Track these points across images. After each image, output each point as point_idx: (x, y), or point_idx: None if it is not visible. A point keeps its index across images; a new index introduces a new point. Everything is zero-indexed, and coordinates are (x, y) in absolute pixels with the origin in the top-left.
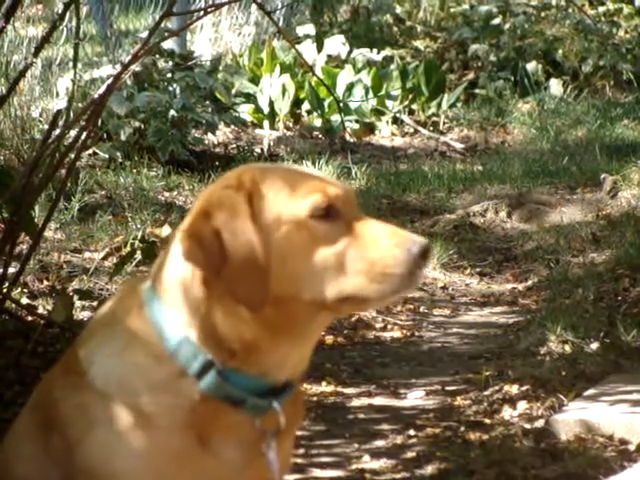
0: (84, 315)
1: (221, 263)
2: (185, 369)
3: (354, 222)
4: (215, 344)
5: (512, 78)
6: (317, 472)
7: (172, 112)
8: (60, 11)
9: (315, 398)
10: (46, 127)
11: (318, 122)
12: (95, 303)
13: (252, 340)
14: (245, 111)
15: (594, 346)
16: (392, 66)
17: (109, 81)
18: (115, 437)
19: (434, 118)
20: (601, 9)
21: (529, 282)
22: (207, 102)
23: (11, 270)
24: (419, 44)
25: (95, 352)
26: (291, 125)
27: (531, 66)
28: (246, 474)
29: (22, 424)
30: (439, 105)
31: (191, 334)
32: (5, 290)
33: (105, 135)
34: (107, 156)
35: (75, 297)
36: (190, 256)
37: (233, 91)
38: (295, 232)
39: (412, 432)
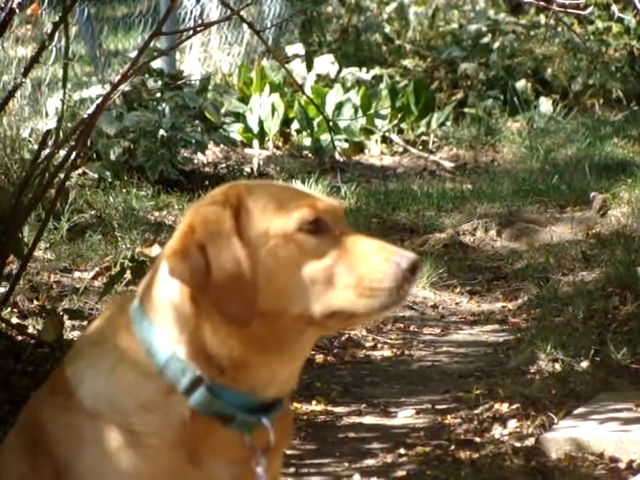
0: (74, 335)
1: (207, 279)
2: (174, 386)
3: (343, 237)
4: (204, 360)
5: (501, 97)
6: None
7: (161, 132)
8: (49, 31)
9: (305, 417)
10: (35, 147)
11: (307, 141)
12: (85, 323)
13: (240, 356)
14: (234, 130)
15: (584, 364)
16: (381, 85)
17: (98, 101)
18: (105, 457)
19: (423, 137)
20: (590, 28)
21: (519, 301)
22: (196, 122)
23: (1, 290)
24: (408, 63)
25: (83, 372)
26: (280, 144)
27: (520, 85)
28: None
29: (10, 445)
30: (428, 124)
31: (180, 351)
32: None
33: (95, 155)
34: (97, 176)
35: (65, 317)
36: (175, 272)
37: (222, 110)
38: (283, 246)
39: (402, 451)
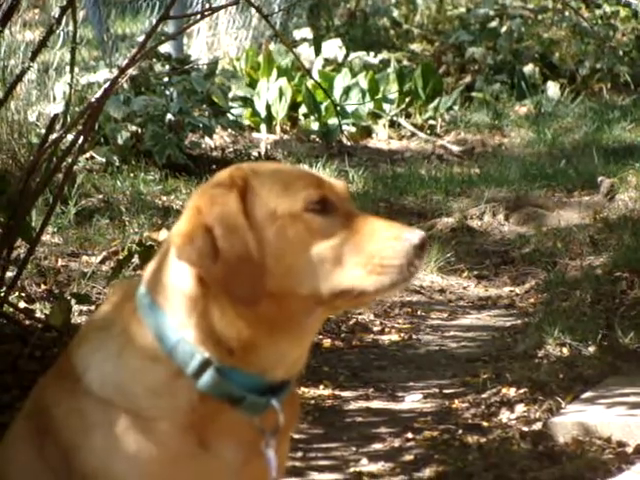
0: (81, 319)
1: (214, 261)
2: (183, 369)
3: (350, 217)
4: (212, 343)
5: (509, 81)
6: (315, 475)
7: (169, 116)
8: (57, 15)
9: (313, 401)
10: (43, 131)
11: (315, 126)
12: (93, 307)
13: (249, 338)
14: (242, 115)
15: (592, 349)
16: (389, 69)
17: (106, 85)
18: (113, 441)
19: (431, 121)
20: (598, 12)
21: (526, 285)
22: (204, 106)
23: (9, 274)
24: (416, 47)
25: (90, 357)
26: (288, 129)
27: (528, 69)
28: (244, 474)
29: (17, 430)
30: (436, 108)
31: (188, 334)
32: (3, 294)
33: (102, 139)
34: (104, 160)
35: (72, 301)
36: (183, 255)
37: (230, 95)
38: (290, 226)
39: (410, 435)
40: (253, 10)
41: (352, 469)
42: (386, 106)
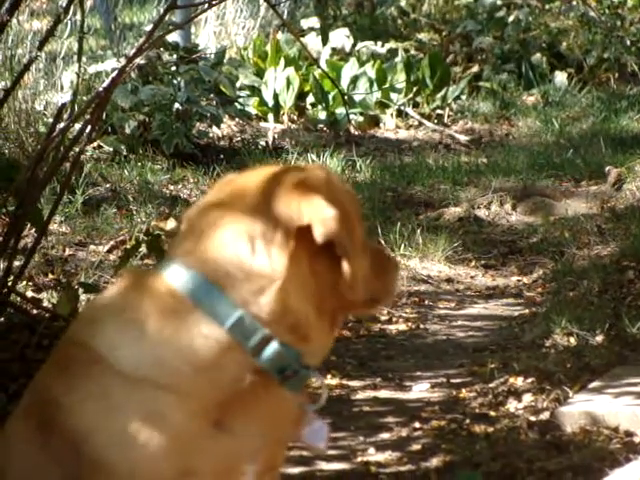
0: None
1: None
2: (241, 343)
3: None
4: (278, 321)
5: (516, 70)
6: (322, 465)
7: (177, 105)
8: (64, 4)
9: (320, 391)
10: (51, 120)
11: (323, 115)
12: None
13: (311, 323)
14: (250, 104)
15: (599, 338)
16: (396, 59)
17: (113, 74)
18: (141, 421)
19: (438, 111)
20: (605, 1)
21: (534, 275)
22: (211, 95)
23: (16, 263)
24: (423, 37)
25: (117, 337)
26: (296, 118)
27: (535, 59)
28: (261, 457)
29: (14, 430)
30: (443, 98)
31: (252, 310)
32: (10, 283)
33: (110, 128)
34: (112, 149)
35: (80, 290)
36: (337, 237)
37: (238, 84)
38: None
39: (417, 425)
40: None
41: (359, 458)
42: (394, 95)
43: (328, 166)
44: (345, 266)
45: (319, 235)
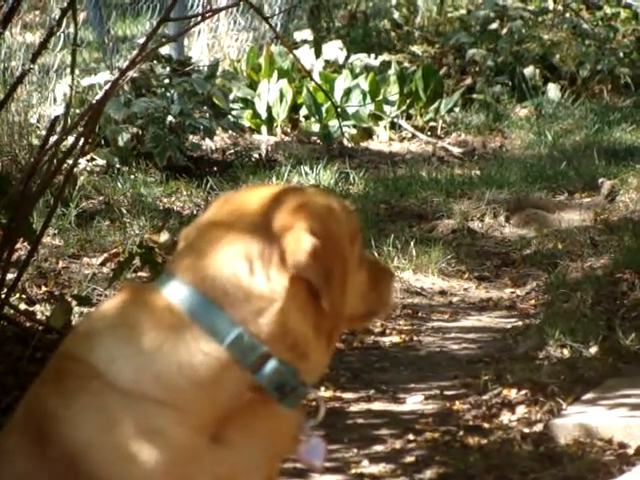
0: None
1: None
2: (239, 360)
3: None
4: (277, 339)
5: (510, 83)
6: (316, 477)
7: (170, 118)
8: (57, 17)
9: (314, 403)
10: (44, 133)
11: (316, 127)
12: (93, 309)
13: (309, 342)
14: (243, 116)
15: (593, 350)
16: (390, 71)
17: (106, 87)
18: (138, 436)
19: (432, 123)
20: (598, 13)
21: (527, 286)
22: (205, 108)
23: (9, 276)
24: (417, 49)
25: (115, 352)
26: (289, 130)
27: (528, 71)
28: (261, 473)
29: (8, 446)
30: (437, 110)
31: (251, 328)
32: (3, 296)
33: (103, 141)
34: (105, 162)
35: (73, 303)
36: (310, 272)
37: (231, 97)
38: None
39: (411, 437)
40: (254, 12)
41: (353, 470)
42: (387, 108)
43: (328, 192)
44: (323, 300)
45: (290, 266)
